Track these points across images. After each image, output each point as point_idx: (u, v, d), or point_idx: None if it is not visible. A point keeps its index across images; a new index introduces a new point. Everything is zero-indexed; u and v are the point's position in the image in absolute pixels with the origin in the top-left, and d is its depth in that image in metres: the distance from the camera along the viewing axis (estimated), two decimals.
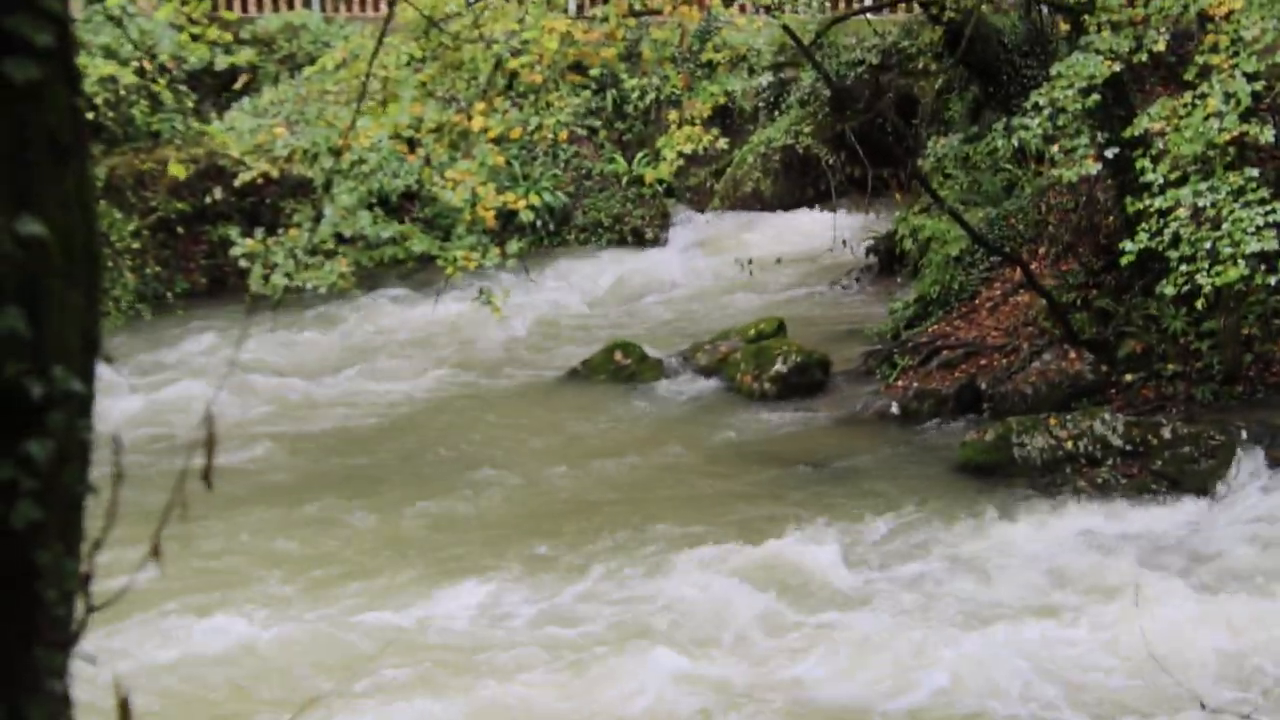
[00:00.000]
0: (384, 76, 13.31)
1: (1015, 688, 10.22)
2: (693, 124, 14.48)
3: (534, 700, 9.92)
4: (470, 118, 13.37)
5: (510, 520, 13.03)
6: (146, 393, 15.60)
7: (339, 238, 15.03)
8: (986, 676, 10.34)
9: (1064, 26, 14.63)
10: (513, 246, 15.67)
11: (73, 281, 2.78)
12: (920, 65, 19.65)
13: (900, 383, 15.49)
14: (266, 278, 14.83)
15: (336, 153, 15.22)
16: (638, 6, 14.09)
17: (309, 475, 14.16)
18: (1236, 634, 10.81)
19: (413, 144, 13.95)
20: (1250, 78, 12.54)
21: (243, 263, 15.30)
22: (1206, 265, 12.33)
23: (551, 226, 20.45)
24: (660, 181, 18.38)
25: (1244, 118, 12.50)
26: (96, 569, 2.88)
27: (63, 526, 2.78)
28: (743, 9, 17.04)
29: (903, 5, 16.83)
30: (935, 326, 15.99)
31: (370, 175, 18.06)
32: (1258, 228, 12.10)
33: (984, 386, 14.95)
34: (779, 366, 16.01)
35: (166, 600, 10.51)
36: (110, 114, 19.10)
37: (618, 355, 16.69)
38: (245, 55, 19.46)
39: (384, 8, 11.21)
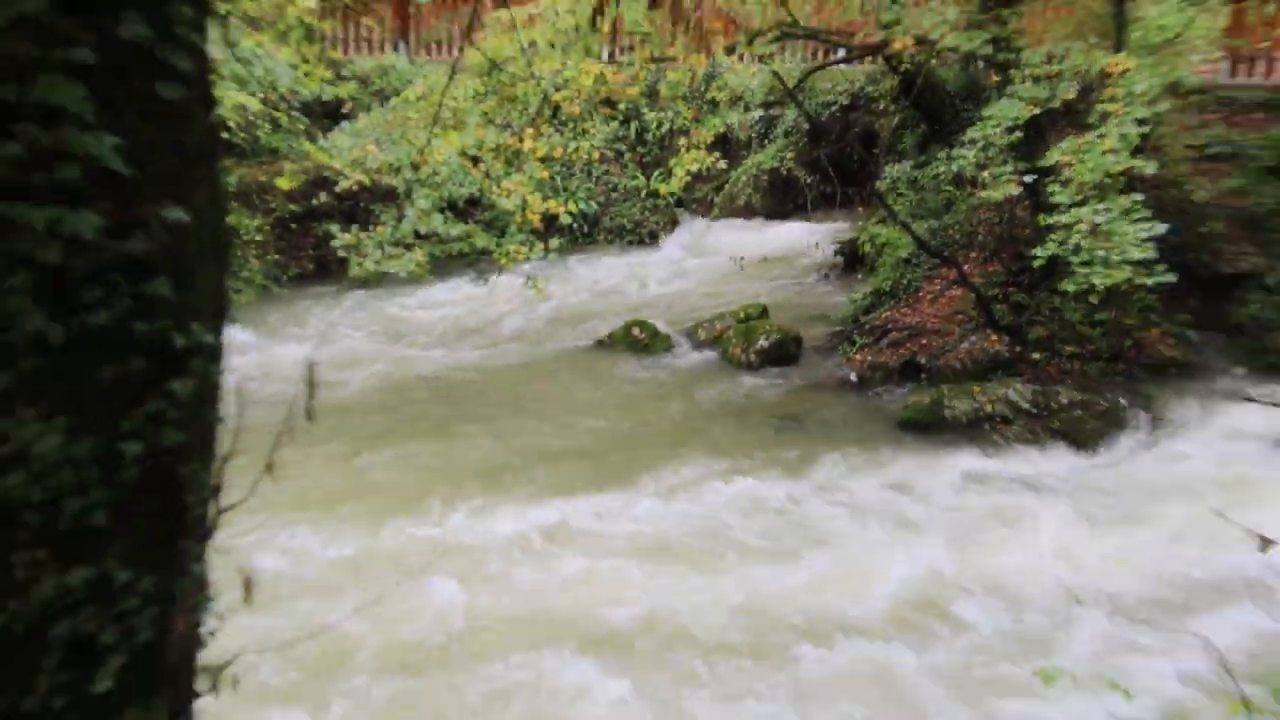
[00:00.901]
0: (454, 106, 13.33)
1: (940, 587, 10.32)
2: (698, 149, 14.49)
3: (565, 590, 10.01)
4: (522, 140, 13.39)
5: (550, 454, 13.09)
6: (264, 351, 15.71)
7: (417, 234, 15.06)
8: (919, 580, 10.42)
9: (995, 78, 14.62)
10: (554, 244, 15.76)
11: (207, 259, 2.82)
12: (880, 106, 19.59)
13: (858, 357, 15.52)
14: (360, 264, 14.92)
15: (415, 166, 15.23)
16: (656, 54, 14.07)
17: (391, 416, 14.25)
18: (1112, 554, 10.87)
19: (476, 160, 13.97)
20: (1139, 123, 12.61)
21: (341, 252, 15.38)
22: (1099, 269, 12.35)
23: (585, 229, 20.44)
24: (672, 194, 18.38)
25: (1133, 154, 12.56)
26: (225, 481, 2.93)
27: (200, 448, 2.82)
28: (740, 58, 16.96)
29: (868, 58, 16.68)
30: (886, 313, 15.99)
31: (442, 185, 18.06)
32: (1140, 240, 12.15)
33: (923, 361, 14.97)
34: (762, 342, 16.04)
35: (280, 508, 10.59)
36: (241, 134, 19.14)
37: (635, 330, 16.75)
38: (346, 89, 19.54)
39: (455, 52, 11.22)
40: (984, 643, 9.62)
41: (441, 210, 18.05)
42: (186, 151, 2.75)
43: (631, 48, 14.41)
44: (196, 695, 2.89)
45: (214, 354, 2.79)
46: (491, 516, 11.28)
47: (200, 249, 2.77)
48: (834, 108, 19.99)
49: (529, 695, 8.64)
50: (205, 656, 2.90)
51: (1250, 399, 11.81)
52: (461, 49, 11.89)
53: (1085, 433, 13.48)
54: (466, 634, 9.29)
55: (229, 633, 2.92)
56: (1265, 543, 3.55)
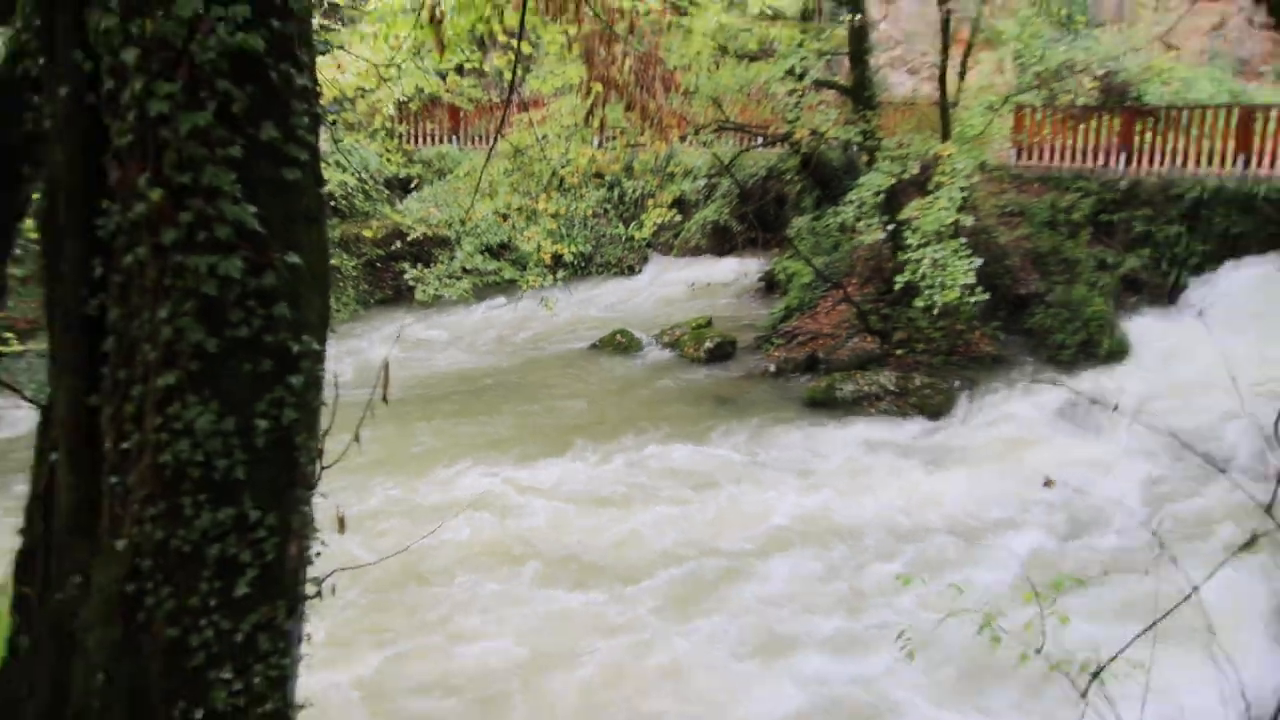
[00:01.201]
0: (490, 180, 13.30)
1: (828, 519, 10.33)
2: (662, 207, 14.50)
3: (543, 528, 10.03)
4: (537, 202, 13.38)
5: (548, 428, 13.04)
6: (356, 354, 15.72)
7: (464, 269, 15.04)
8: (813, 514, 10.45)
9: (865, 158, 14.65)
10: (561, 275, 15.71)
11: (314, 289, 2.83)
12: (788, 177, 19.57)
13: (775, 354, 15.49)
14: (424, 291, 14.88)
15: (463, 222, 15.21)
16: (631, 142, 14.06)
17: (442, 398, 14.19)
18: (949, 492, 10.92)
19: (505, 217, 13.93)
20: (961, 190, 12.68)
21: (411, 283, 15.34)
22: (939, 290, 12.40)
23: (583, 264, 20.41)
24: (644, 239, 18.42)
25: (958, 211, 12.61)
26: (325, 446, 2.93)
27: (308, 422, 2.84)
28: (690, 143, 16.97)
29: (779, 144, 16.70)
30: (795, 322, 15.97)
31: (482, 234, 18.07)
32: (965, 271, 12.22)
33: (821, 356, 14.94)
34: (708, 344, 15.99)
35: (363, 469, 10.54)
36: (344, 201, 19.10)
37: (618, 336, 16.68)
38: (415, 169, 19.47)
39: (491, 142, 11.32)
40: (859, 558, 9.66)
41: (481, 252, 18.08)
42: (300, 215, 2.78)
43: (614, 137, 14.37)
44: (306, 598, 2.93)
45: (319, 357, 2.82)
46: (500, 475, 11.21)
47: (310, 282, 2.79)
48: (756, 178, 19.99)
49: (505, 601, 8.68)
50: (311, 571, 2.94)
51: (1036, 382, 11.85)
52: (495, 140, 11.85)
53: (933, 406, 13.50)
54: (469, 558, 9.28)
55: (327, 555, 2.94)
56: (1048, 482, 3.56)
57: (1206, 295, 15.11)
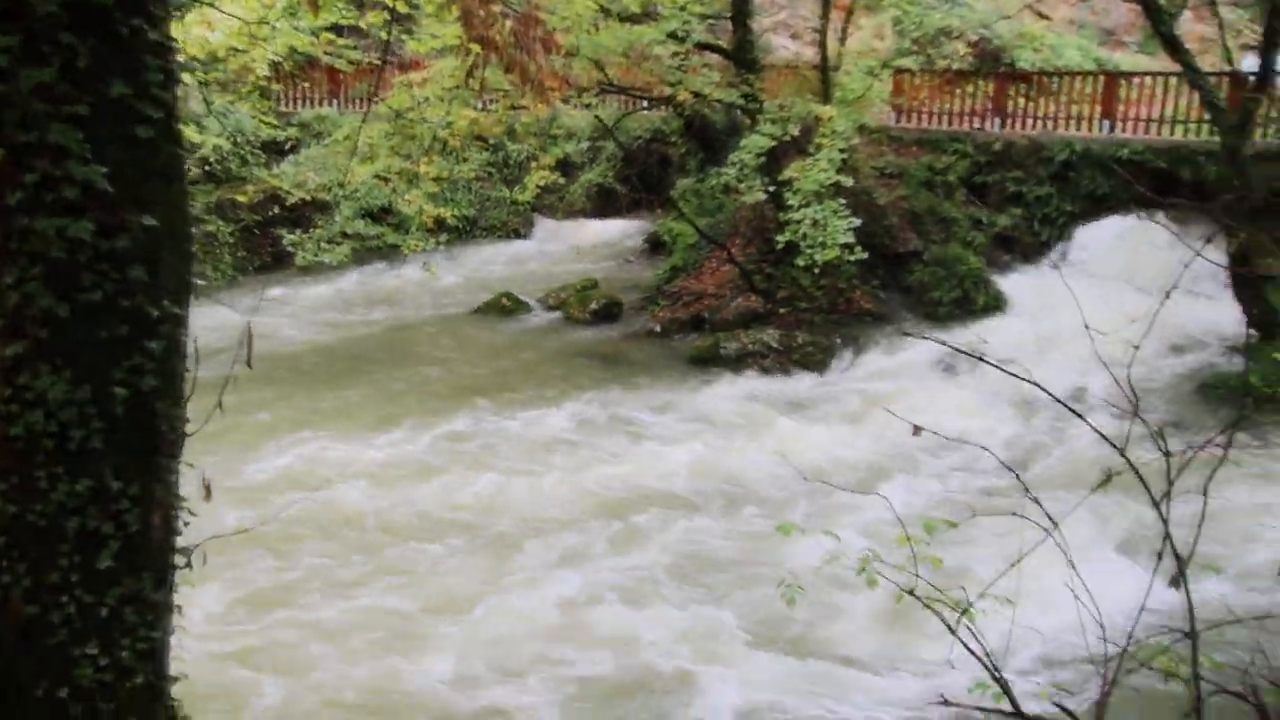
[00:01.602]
0: (369, 142, 13.01)
1: (712, 471, 10.49)
2: (545, 169, 14.40)
3: (429, 490, 9.92)
4: (419, 165, 13.15)
5: (436, 392, 12.92)
6: (227, 320, 15.27)
7: (344, 234, 14.75)
8: (698, 466, 10.61)
9: (748, 121, 14.70)
10: (444, 239, 15.52)
11: (173, 252, 2.73)
12: (672, 140, 19.60)
13: (661, 314, 15.53)
14: (303, 256, 14.55)
15: (342, 186, 14.88)
16: (514, 104, 13.90)
17: (317, 366, 13.86)
18: (829, 443, 11.20)
19: (386, 180, 13.67)
20: (841, 152, 12.85)
21: (289, 248, 14.98)
22: (819, 249, 12.61)
23: (467, 228, 20.16)
24: (527, 202, 18.31)
25: (838, 172, 12.78)
26: (188, 413, 2.84)
27: (170, 389, 2.75)
28: (574, 106, 16.86)
29: (662, 106, 16.68)
30: (680, 283, 16.02)
31: (361, 198, 17.69)
32: (844, 230, 12.45)
33: (705, 316, 15.05)
34: (594, 305, 15.99)
35: (226, 434, 10.18)
36: (218, 165, 18.47)
37: (503, 300, 16.52)
38: (292, 132, 18.95)
39: (370, 104, 11.11)
40: (742, 509, 9.83)
41: (362, 217, 17.73)
42: (156, 175, 2.68)
43: (496, 100, 14.17)
44: (174, 568, 2.85)
45: (179, 321, 2.73)
46: (383, 439, 11.06)
47: (168, 244, 2.69)
48: (640, 140, 19.95)
49: (380, 564, 8.62)
50: (181, 541, 2.87)
51: (910, 335, 12.13)
52: (370, 102, 11.58)
53: (815, 362, 13.77)
54: (353, 522, 9.18)
55: (195, 524, 2.87)
56: (916, 430, 3.66)
57: (1074, 251, 15.69)
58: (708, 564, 8.75)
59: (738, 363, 13.85)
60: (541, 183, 14.17)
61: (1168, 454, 3.46)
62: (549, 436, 11.38)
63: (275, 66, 13.25)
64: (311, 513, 9.00)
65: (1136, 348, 3.63)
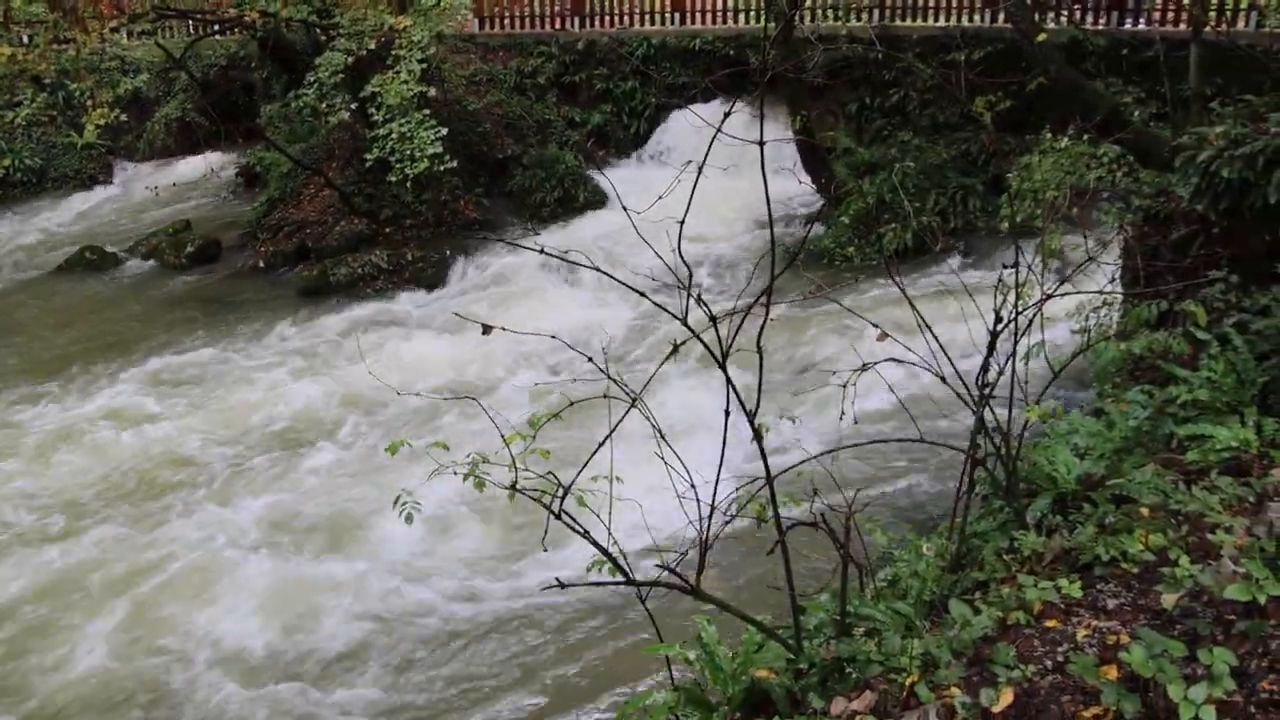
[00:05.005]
0: None
1: (332, 401, 10.29)
2: (103, 107, 13.08)
3: (33, 463, 9.32)
4: None
5: (22, 364, 11.82)
6: None
7: None
8: (317, 398, 10.40)
9: (325, 38, 14.06)
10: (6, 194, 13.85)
11: None
12: (252, 65, 18.47)
13: (263, 249, 14.77)
14: None
15: None
16: (59, 37, 12.50)
17: None
18: (446, 359, 11.19)
19: None
20: (421, 62, 12.61)
21: None
22: (409, 163, 12.42)
23: (33, 180, 18.17)
24: (99, 145, 16.80)
25: (419, 83, 12.48)
26: None
27: None
28: (133, 36, 15.42)
29: (236, 30, 15.59)
30: (279, 214, 15.17)
31: None
32: (432, 140, 12.31)
33: (310, 244, 14.44)
34: (189, 248, 14.99)
35: None
36: None
37: (87, 254, 15.11)
38: None
39: None
40: (359, 434, 9.76)
41: None
42: None
43: (37, 33, 12.66)
44: None
45: None
46: None
47: None
48: (217, 67, 18.65)
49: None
50: None
51: (515, 244, 12.51)
52: None
53: (427, 278, 13.68)
54: None
55: None
56: (486, 329, 3.67)
57: (664, 139, 16.40)
58: (326, 495, 8.60)
59: (349, 288, 13.54)
60: (103, 121, 12.85)
61: (714, 319, 3.68)
62: (154, 391, 10.80)
63: None
64: None
65: (682, 222, 3.78)
